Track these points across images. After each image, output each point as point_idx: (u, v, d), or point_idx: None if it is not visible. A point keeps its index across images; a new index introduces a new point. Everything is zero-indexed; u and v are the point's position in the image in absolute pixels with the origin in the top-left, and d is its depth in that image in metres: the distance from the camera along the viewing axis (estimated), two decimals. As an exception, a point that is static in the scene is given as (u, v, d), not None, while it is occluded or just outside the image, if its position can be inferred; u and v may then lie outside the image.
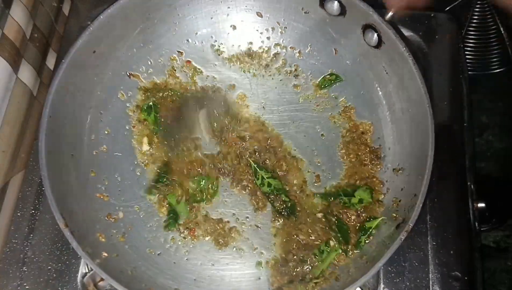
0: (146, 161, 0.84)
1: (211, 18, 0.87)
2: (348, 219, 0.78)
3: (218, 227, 0.80)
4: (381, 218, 0.76)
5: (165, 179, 0.82)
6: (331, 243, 0.77)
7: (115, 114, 0.85)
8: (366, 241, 0.76)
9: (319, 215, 0.80)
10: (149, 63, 0.87)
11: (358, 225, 0.78)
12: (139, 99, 0.87)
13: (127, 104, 0.86)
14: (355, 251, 0.76)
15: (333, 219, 0.78)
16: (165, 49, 0.87)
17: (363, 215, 0.78)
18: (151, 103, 0.85)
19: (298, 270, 0.76)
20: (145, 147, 0.84)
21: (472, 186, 0.88)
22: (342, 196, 0.80)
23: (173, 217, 0.80)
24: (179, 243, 0.80)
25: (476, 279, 0.82)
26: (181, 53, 0.88)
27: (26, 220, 0.82)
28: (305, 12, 0.83)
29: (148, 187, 0.82)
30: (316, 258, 0.76)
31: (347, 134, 0.85)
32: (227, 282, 0.78)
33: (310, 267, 0.76)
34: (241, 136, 0.85)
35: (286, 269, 0.77)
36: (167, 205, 0.81)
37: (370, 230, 0.76)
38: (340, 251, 0.76)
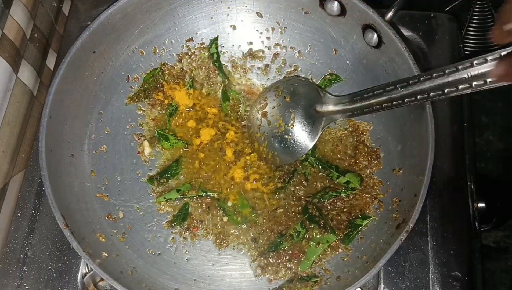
0: (150, 163, 0.85)
1: (211, 18, 0.87)
2: (337, 214, 0.79)
3: (219, 224, 0.81)
4: (372, 217, 0.76)
5: (171, 173, 0.82)
6: (314, 234, 0.77)
7: (115, 114, 0.85)
8: (355, 237, 0.76)
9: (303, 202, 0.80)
10: (150, 63, 0.87)
11: (347, 220, 0.78)
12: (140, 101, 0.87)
13: (128, 105, 0.86)
14: (342, 245, 0.77)
15: (314, 211, 0.78)
16: (165, 49, 0.87)
17: (355, 211, 0.79)
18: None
19: (274, 254, 0.77)
20: (147, 150, 0.84)
21: (472, 186, 0.88)
22: (333, 170, 0.81)
23: (182, 215, 0.80)
24: (179, 243, 0.80)
25: (476, 279, 0.82)
26: (181, 53, 0.88)
27: (26, 220, 0.82)
28: (305, 12, 0.83)
29: (148, 177, 0.83)
30: (292, 240, 0.77)
31: (347, 134, 0.85)
32: (227, 282, 0.78)
33: (290, 257, 0.77)
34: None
35: (261, 251, 0.78)
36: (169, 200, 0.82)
37: (360, 227, 0.76)
38: (327, 244, 0.76)
